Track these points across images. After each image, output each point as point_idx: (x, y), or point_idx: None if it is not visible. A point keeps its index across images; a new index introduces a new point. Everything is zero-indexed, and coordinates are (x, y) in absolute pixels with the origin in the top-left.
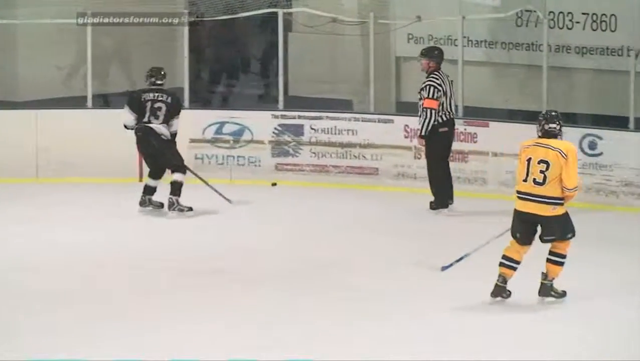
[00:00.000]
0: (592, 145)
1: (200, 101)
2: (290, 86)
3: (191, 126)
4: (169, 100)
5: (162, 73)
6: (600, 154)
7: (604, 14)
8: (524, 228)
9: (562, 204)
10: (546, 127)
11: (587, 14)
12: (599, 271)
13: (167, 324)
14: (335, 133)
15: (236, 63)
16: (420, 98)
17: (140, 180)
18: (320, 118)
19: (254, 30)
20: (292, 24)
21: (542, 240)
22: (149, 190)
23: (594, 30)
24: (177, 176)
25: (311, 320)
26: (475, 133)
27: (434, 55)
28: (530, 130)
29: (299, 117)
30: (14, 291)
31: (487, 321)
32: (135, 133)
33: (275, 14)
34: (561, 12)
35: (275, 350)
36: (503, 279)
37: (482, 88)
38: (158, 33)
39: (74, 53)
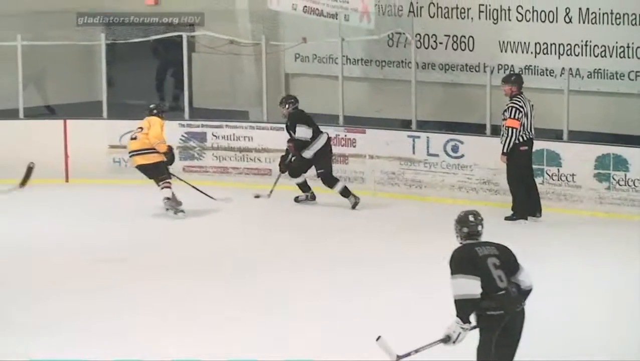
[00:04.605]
0: (455, 149)
1: (117, 112)
2: (195, 99)
3: (110, 134)
4: None
5: None
6: (462, 156)
7: (463, 36)
8: None
9: None
10: None
11: (449, 35)
12: None
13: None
14: (234, 140)
15: (147, 79)
16: (504, 119)
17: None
18: (221, 127)
19: (162, 51)
20: (195, 46)
21: None
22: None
23: (454, 49)
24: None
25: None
26: (354, 139)
27: (511, 80)
28: (401, 136)
29: (203, 125)
30: None
31: None
32: None
33: (181, 36)
34: (426, 34)
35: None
36: None
37: (359, 100)
38: (79, 53)
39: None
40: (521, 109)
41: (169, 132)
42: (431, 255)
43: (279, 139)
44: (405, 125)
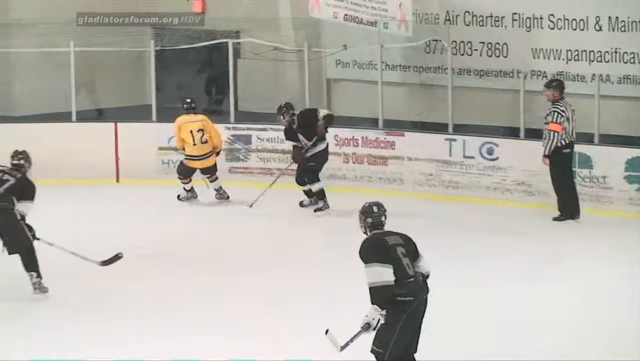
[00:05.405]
0: (490, 151)
1: (165, 115)
2: (240, 103)
3: (159, 136)
4: None
5: None
6: (497, 159)
7: (498, 43)
8: None
9: None
10: None
11: (484, 42)
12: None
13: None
14: (278, 142)
15: (195, 83)
16: (546, 123)
17: (117, 181)
18: (265, 129)
19: (209, 56)
20: (241, 52)
21: None
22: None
23: (489, 56)
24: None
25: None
26: (393, 142)
27: (553, 86)
28: (438, 138)
29: (248, 128)
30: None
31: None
32: None
33: (226, 43)
34: (462, 41)
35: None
36: None
37: (398, 104)
38: (130, 58)
39: (60, 75)
40: (563, 113)
41: None
42: (455, 252)
43: None
44: (442, 128)
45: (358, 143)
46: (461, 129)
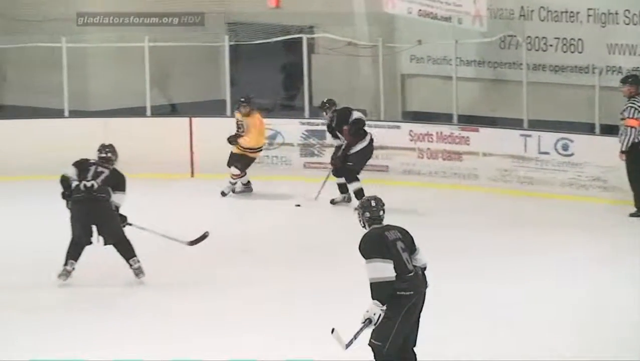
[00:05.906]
0: (565, 147)
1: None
2: (314, 98)
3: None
4: None
5: None
6: (572, 154)
7: (573, 39)
8: None
9: None
10: None
11: (559, 38)
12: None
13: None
14: None
15: (269, 79)
16: (622, 118)
17: (192, 176)
18: None
19: (283, 51)
20: (315, 47)
21: None
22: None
23: (564, 52)
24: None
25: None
26: (468, 137)
27: (629, 81)
28: (513, 134)
29: (323, 124)
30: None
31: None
32: None
33: (301, 38)
34: (537, 37)
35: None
36: None
37: (473, 100)
38: (204, 53)
39: (135, 70)
40: (639, 109)
41: (290, 130)
42: (520, 248)
43: (395, 137)
44: (516, 124)
45: (433, 138)
46: (536, 125)
